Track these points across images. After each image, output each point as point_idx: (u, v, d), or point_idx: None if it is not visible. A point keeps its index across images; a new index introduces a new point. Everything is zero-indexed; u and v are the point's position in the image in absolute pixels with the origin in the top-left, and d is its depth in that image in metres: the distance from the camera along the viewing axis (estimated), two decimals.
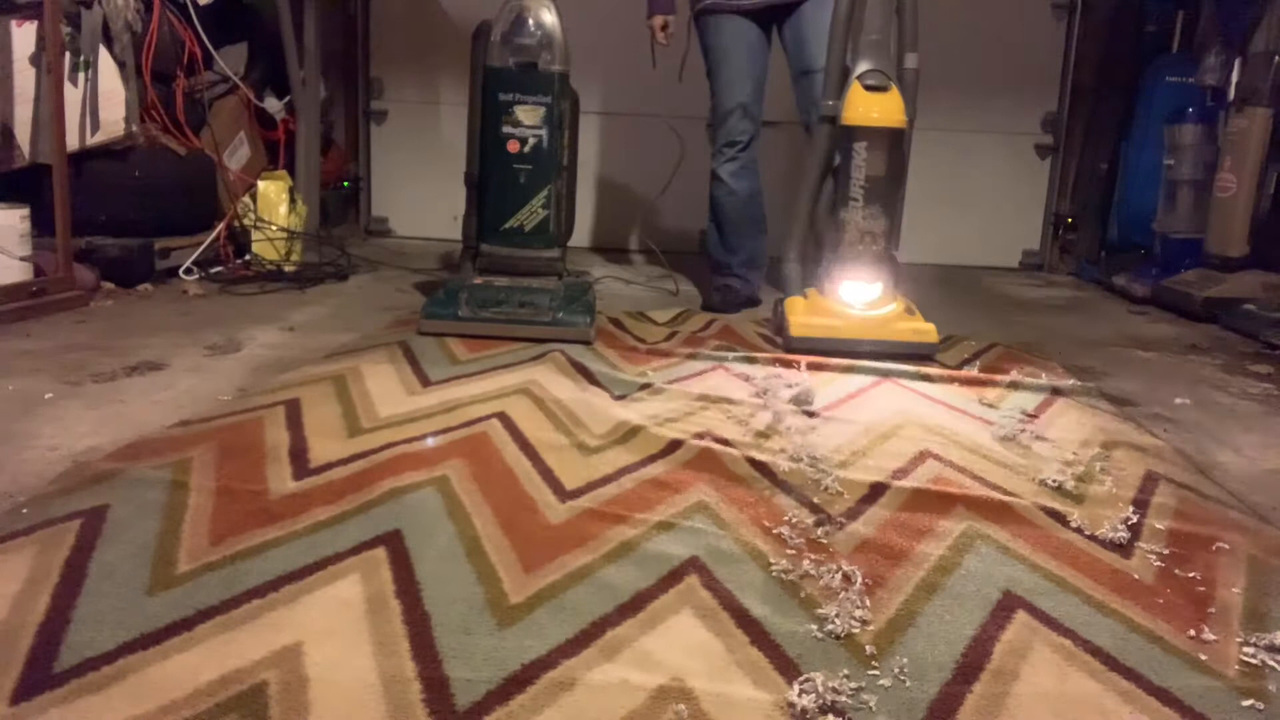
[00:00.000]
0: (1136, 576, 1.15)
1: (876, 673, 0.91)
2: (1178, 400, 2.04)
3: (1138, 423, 1.83)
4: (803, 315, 2.23)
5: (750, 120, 2.72)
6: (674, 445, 1.50)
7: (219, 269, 2.91)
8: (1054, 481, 1.44)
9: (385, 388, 1.75)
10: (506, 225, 2.39)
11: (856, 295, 2.25)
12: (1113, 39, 3.98)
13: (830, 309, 2.24)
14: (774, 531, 1.21)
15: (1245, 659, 0.97)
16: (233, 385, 1.78)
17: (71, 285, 2.41)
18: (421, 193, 4.20)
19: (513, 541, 1.15)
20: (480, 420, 1.58)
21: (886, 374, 2.04)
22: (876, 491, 1.36)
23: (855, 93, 2.21)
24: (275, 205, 3.02)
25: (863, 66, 2.23)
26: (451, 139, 3.97)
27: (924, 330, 2.19)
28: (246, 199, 3.00)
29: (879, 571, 1.12)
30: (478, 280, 2.36)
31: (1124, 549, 1.22)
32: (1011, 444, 1.64)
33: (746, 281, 2.84)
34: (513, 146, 2.35)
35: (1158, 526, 1.30)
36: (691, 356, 2.12)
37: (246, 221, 2.97)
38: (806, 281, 2.44)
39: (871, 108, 2.19)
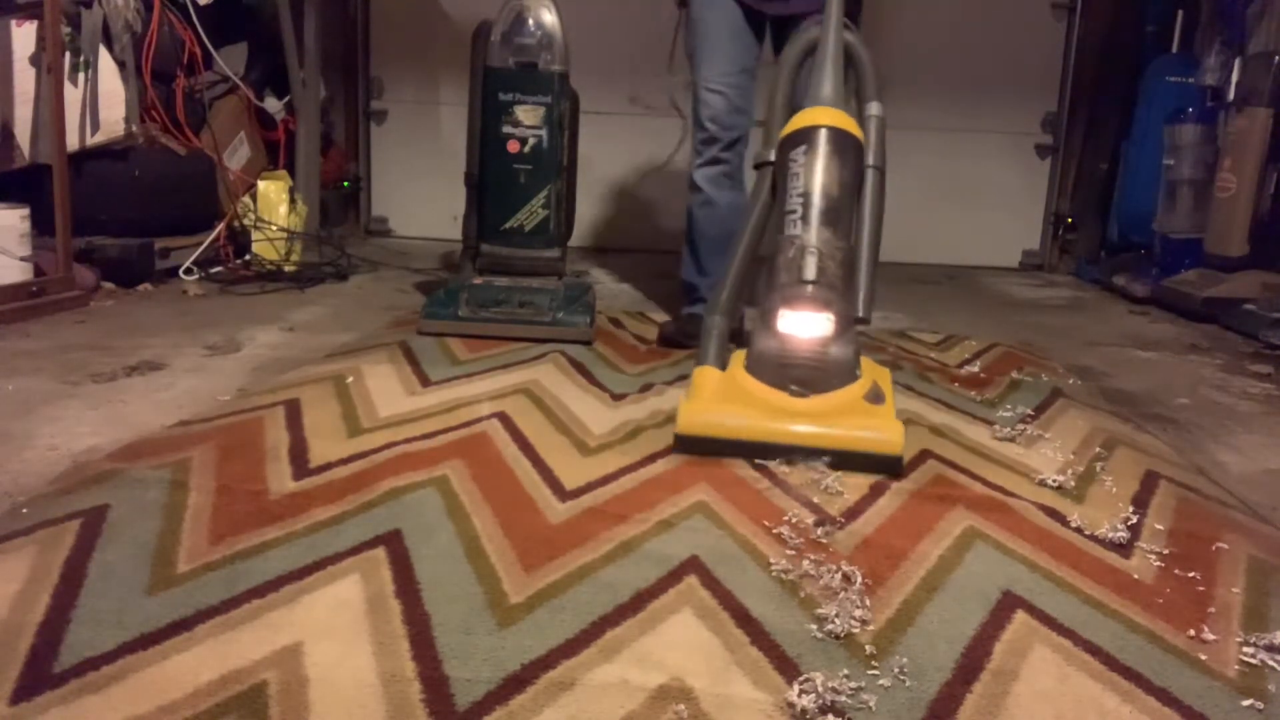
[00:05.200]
0: (1136, 576, 1.15)
1: (876, 673, 0.91)
2: (1178, 400, 2.04)
3: (1138, 423, 1.83)
4: (703, 402, 1.54)
5: (734, 113, 2.28)
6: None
7: (219, 269, 2.91)
8: (1054, 481, 1.44)
9: (385, 388, 1.75)
10: (506, 225, 2.39)
11: (790, 366, 1.52)
12: (1113, 39, 3.98)
13: (750, 392, 1.51)
14: (774, 531, 1.21)
15: (1245, 659, 0.97)
16: (233, 385, 1.78)
17: (71, 285, 2.41)
18: (421, 193, 4.20)
19: (513, 541, 1.15)
20: (480, 420, 1.58)
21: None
22: (876, 491, 1.36)
23: (796, 115, 1.74)
24: (275, 205, 3.02)
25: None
26: (451, 139, 3.97)
27: (884, 430, 1.44)
28: (246, 199, 3.00)
29: (879, 571, 1.12)
30: (478, 280, 2.36)
31: (1124, 549, 1.22)
32: (1011, 444, 1.64)
33: None
34: (513, 146, 2.35)
35: (1158, 526, 1.30)
36: (691, 356, 2.12)
37: (246, 221, 2.97)
38: (733, 344, 1.75)
39: (816, 114, 1.70)
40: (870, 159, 1.73)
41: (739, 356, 1.61)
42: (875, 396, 1.52)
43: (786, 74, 1.86)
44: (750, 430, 1.47)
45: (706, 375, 1.60)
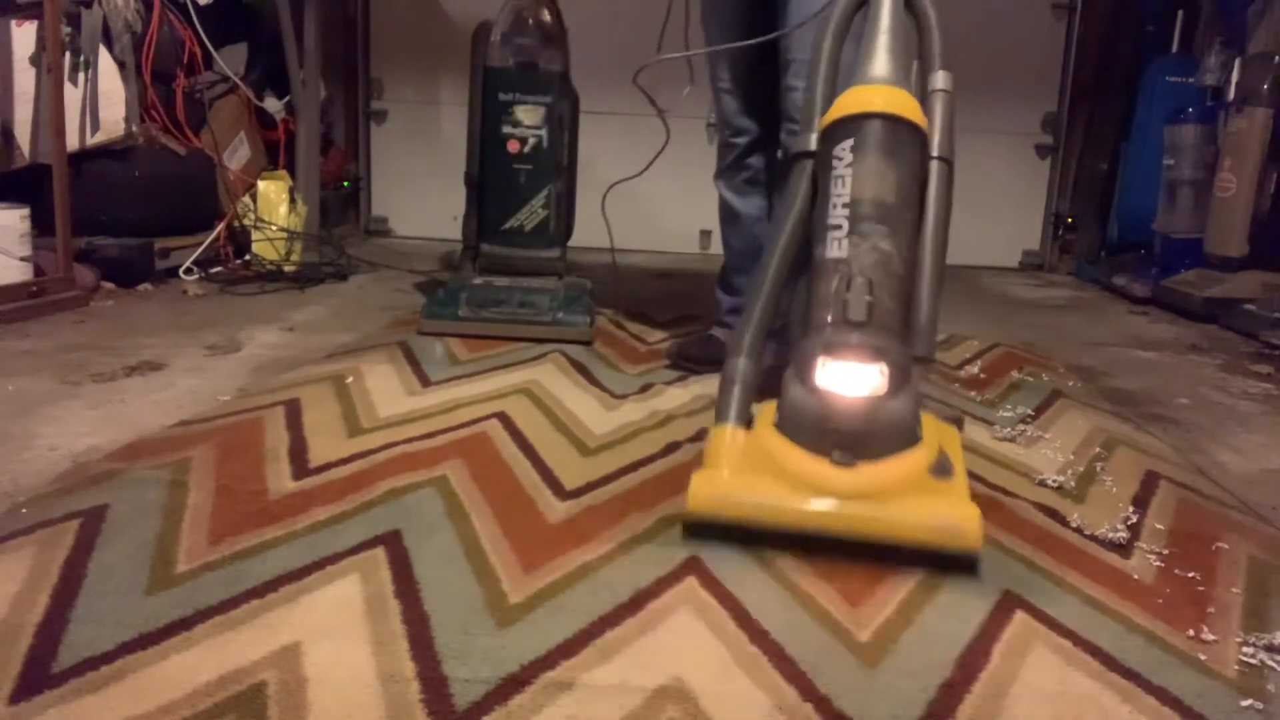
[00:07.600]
0: (1136, 576, 1.15)
1: (876, 672, 0.91)
2: (1178, 400, 2.04)
3: (1138, 423, 1.83)
4: (720, 473, 1.19)
5: (747, 113, 2.00)
6: (673, 446, 1.50)
7: (219, 269, 2.91)
8: (1054, 481, 1.44)
9: (385, 388, 1.75)
10: (506, 225, 2.39)
11: (834, 420, 1.17)
12: (1113, 39, 3.99)
13: (780, 460, 1.17)
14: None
15: (1245, 659, 0.97)
16: (233, 385, 1.78)
17: (71, 285, 2.41)
18: (421, 193, 4.20)
19: (512, 541, 1.15)
20: (480, 420, 1.58)
21: None
22: None
23: (843, 95, 1.35)
24: (275, 205, 3.02)
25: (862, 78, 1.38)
26: (451, 139, 3.97)
27: (956, 516, 1.12)
28: (246, 199, 3.00)
29: (879, 571, 1.11)
30: (478, 280, 2.36)
31: (1124, 549, 1.22)
32: (1011, 444, 1.64)
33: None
34: (513, 146, 2.35)
35: (1158, 526, 1.30)
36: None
37: (246, 221, 2.97)
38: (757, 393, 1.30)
39: (867, 96, 1.32)
40: (935, 148, 1.35)
41: (767, 411, 1.24)
42: (942, 468, 1.18)
43: (829, 39, 1.44)
44: (779, 512, 1.14)
45: (725, 438, 1.22)
